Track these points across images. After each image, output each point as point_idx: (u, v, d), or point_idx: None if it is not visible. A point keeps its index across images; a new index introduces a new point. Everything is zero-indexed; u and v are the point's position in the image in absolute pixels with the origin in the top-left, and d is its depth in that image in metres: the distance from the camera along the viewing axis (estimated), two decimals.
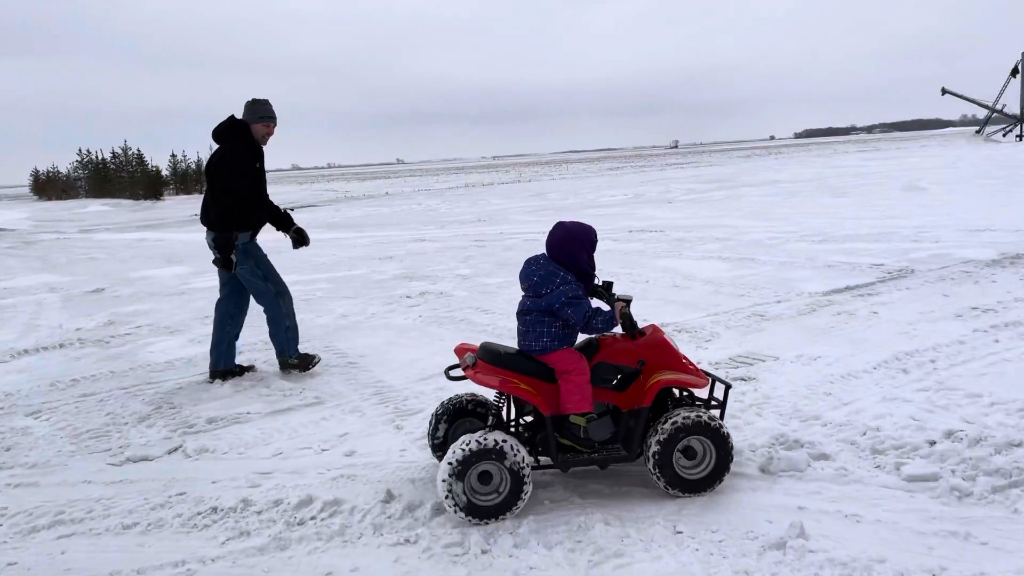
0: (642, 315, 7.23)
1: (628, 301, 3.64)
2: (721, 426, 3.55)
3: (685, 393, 3.88)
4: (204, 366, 6.13)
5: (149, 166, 60.01)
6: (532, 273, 3.67)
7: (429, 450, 4.04)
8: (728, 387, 3.81)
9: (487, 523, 3.35)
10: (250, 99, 5.90)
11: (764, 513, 3.33)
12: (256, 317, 6.21)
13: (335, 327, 7.05)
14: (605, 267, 10.28)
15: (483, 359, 3.60)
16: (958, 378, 4.87)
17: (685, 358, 3.75)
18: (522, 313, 3.70)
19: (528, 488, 3.40)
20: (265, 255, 5.95)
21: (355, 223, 21.68)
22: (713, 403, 3.86)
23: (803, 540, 3.07)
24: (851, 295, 7.58)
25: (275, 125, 5.93)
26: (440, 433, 3.93)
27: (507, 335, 6.78)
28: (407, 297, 9.00)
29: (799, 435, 4.08)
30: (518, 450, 3.40)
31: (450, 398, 4.02)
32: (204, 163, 7.12)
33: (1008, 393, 4.51)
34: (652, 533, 3.21)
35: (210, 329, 6.12)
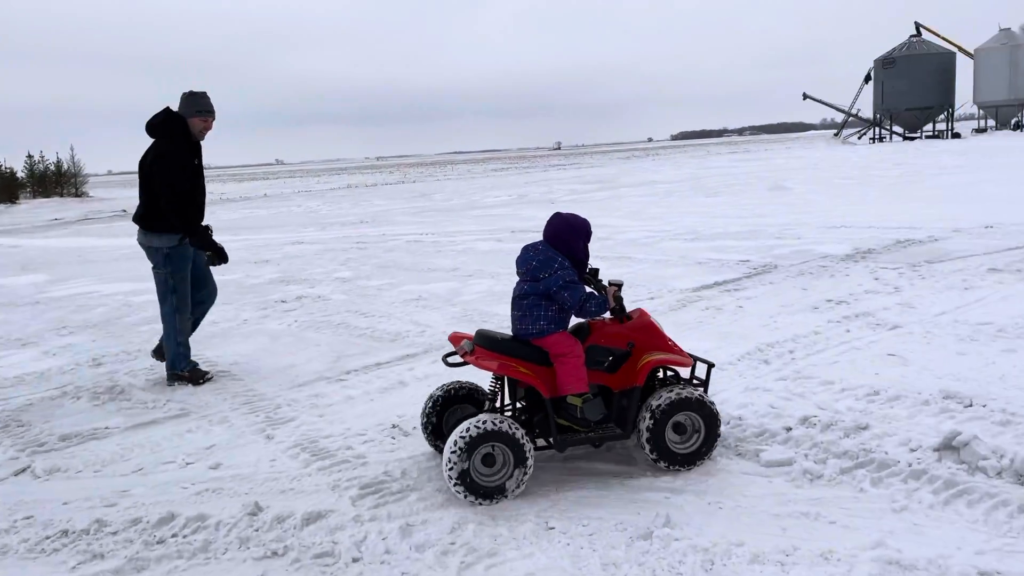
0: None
1: (619, 285, 3.86)
2: (710, 402, 3.78)
3: (670, 373, 4.05)
4: (58, 380, 5.76)
5: (3, 168, 56.00)
6: (531, 258, 3.80)
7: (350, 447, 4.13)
8: (711, 366, 4.05)
9: (491, 502, 3.46)
10: (186, 92, 5.59)
11: (634, 505, 3.42)
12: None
13: (205, 335, 6.76)
14: (487, 268, 10.33)
15: (480, 345, 3.69)
16: (813, 367, 5.15)
17: (670, 340, 3.94)
18: (519, 298, 3.81)
19: (530, 469, 3.52)
20: (188, 262, 5.66)
21: (230, 226, 20.92)
22: (695, 382, 4.04)
23: (668, 529, 3.17)
24: (719, 290, 7.90)
25: (214, 120, 5.68)
26: (434, 419, 4.01)
27: (386, 339, 6.70)
28: (282, 302, 8.75)
29: None
30: (519, 432, 3.51)
31: (443, 385, 4.10)
32: (139, 160, 6.59)
33: (856, 379, 4.80)
34: (524, 531, 3.24)
35: (67, 341, 5.75)
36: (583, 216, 3.92)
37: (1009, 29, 61.31)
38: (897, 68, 60.29)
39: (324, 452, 4.22)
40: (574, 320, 3.87)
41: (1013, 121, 60.13)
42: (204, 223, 5.69)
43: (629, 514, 3.33)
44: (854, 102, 68.66)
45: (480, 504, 3.46)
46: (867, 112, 67.24)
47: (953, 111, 63.09)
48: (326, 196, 35.71)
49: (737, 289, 7.91)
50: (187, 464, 4.18)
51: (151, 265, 5.65)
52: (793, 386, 4.80)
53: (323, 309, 8.19)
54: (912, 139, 60.90)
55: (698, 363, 4.04)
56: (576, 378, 3.67)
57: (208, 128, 5.66)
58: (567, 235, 3.85)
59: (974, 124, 67.91)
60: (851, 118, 70.33)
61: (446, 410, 4.05)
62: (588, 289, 3.83)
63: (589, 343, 3.79)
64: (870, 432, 4.01)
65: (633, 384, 3.78)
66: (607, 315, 3.89)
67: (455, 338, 3.85)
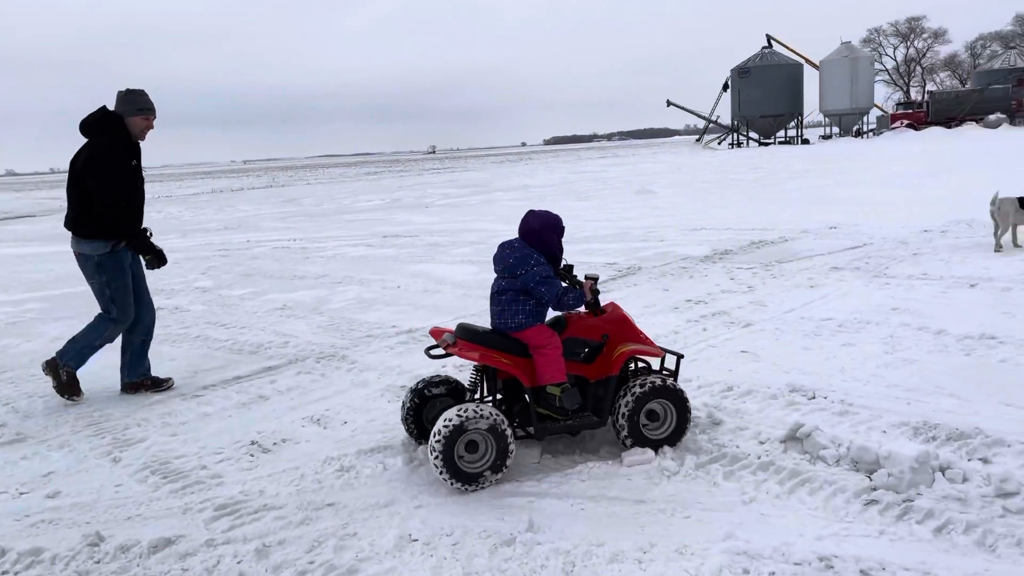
0: (392, 321, 7.23)
1: (595, 279, 4.05)
2: (681, 390, 3.96)
3: (641, 363, 4.22)
4: None
5: None
6: (508, 256, 3.94)
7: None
8: (680, 357, 4.20)
9: (474, 487, 3.58)
10: (123, 89, 5.24)
11: (498, 511, 3.42)
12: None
13: (45, 352, 6.28)
14: (356, 274, 10.14)
15: (462, 337, 3.84)
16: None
17: (642, 332, 4.14)
18: (498, 293, 3.96)
19: (512, 454, 3.65)
20: (127, 273, 5.32)
21: None
22: (664, 371, 4.19)
23: (532, 533, 3.18)
24: None
25: (155, 118, 5.33)
26: (414, 412, 4.10)
27: (247, 351, 6.44)
28: None
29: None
30: (501, 420, 3.64)
31: (422, 378, 4.19)
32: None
33: (712, 376, 5.01)
34: (385, 544, 3.17)
35: None
36: (555, 213, 4.03)
37: (850, 43, 66.02)
38: (751, 77, 63.68)
39: (176, 473, 4.00)
40: (551, 313, 4.04)
41: (855, 128, 64.70)
42: (143, 227, 5.35)
43: (493, 520, 3.32)
44: (714, 109, 71.98)
45: (465, 490, 3.58)
46: (726, 119, 70.66)
47: (802, 119, 67.21)
48: (189, 202, 34.14)
49: (604, 292, 8.10)
50: (21, 494, 3.86)
51: (86, 278, 5.29)
52: None
53: (180, 321, 7.80)
54: (767, 144, 64.46)
55: (668, 354, 4.20)
56: (555, 368, 3.83)
57: (150, 127, 5.34)
58: (541, 231, 3.98)
59: (821, 131, 72.69)
60: (711, 124, 73.69)
61: (426, 402, 4.13)
62: (564, 284, 3.98)
63: (566, 336, 3.95)
64: (724, 427, 4.18)
65: (608, 374, 3.98)
66: (582, 308, 4.05)
67: (436, 332, 3.99)
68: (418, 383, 4.17)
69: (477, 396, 4.02)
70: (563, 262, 4.09)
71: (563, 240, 4.09)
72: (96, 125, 5.16)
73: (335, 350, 6.26)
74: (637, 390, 3.91)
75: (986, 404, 4.25)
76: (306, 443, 4.36)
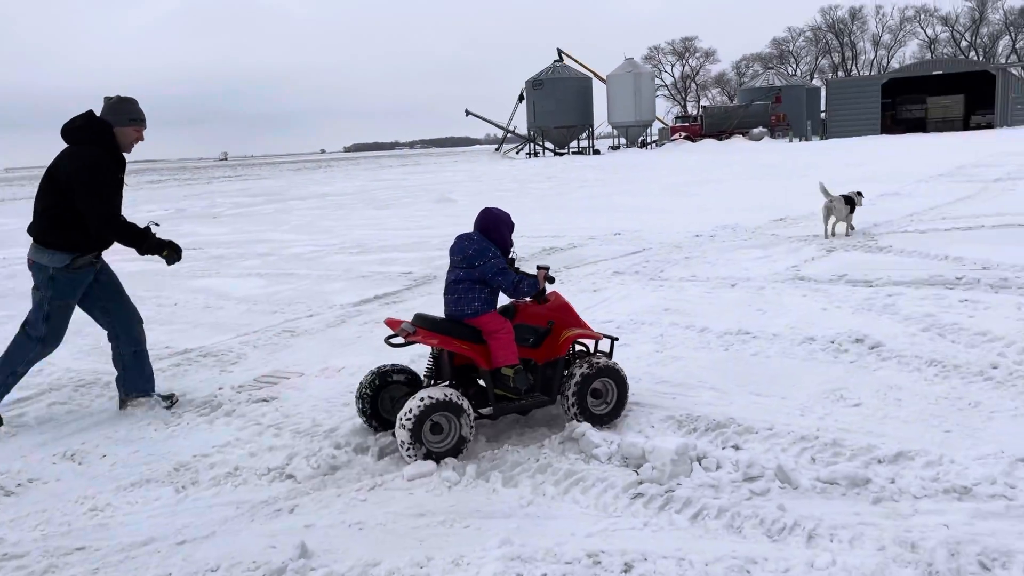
0: (165, 341, 6.73)
1: (547, 269, 4.40)
2: (621, 369, 4.38)
3: (580, 347, 4.61)
4: None
5: None
6: (467, 247, 4.25)
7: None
8: (614, 340, 4.62)
9: (437, 464, 3.82)
10: (115, 97, 4.83)
11: (269, 539, 3.26)
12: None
13: None
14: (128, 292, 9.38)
15: (421, 326, 4.09)
16: None
17: (580, 318, 4.54)
18: (454, 283, 4.24)
19: (473, 433, 3.99)
20: (76, 292, 4.83)
21: None
22: (599, 353, 4.56)
23: (305, 559, 3.06)
24: (379, 303, 7.97)
25: (144, 129, 4.96)
26: (369, 399, 4.30)
27: None
28: None
29: (310, 449, 4.11)
30: (462, 402, 3.93)
31: (373, 370, 4.40)
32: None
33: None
34: None
35: None
36: (506, 211, 4.41)
37: (633, 59, 70.43)
38: (545, 89, 66.24)
39: None
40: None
41: (640, 140, 69.09)
42: (145, 226, 4.94)
43: (263, 549, 3.16)
44: (511, 119, 74.10)
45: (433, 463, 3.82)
46: (523, 129, 72.97)
47: (593, 130, 70.86)
48: None
49: (397, 302, 8.05)
50: None
51: (34, 283, 4.82)
52: None
53: None
54: (561, 154, 67.26)
55: (603, 338, 4.59)
56: (509, 351, 4.15)
57: (140, 139, 4.95)
58: (496, 227, 4.35)
59: (611, 142, 76.93)
60: (509, 134, 75.81)
61: (380, 390, 4.34)
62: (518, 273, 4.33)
63: (515, 323, 4.28)
64: (506, 434, 4.26)
65: (556, 356, 4.34)
66: (527, 298, 4.36)
67: (391, 322, 4.20)
68: (373, 371, 4.40)
69: (433, 382, 4.28)
70: (511, 254, 4.43)
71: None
72: (82, 132, 4.71)
73: (97, 376, 5.74)
74: (584, 370, 4.28)
75: (740, 395, 4.64)
76: (56, 482, 3.95)
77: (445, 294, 4.32)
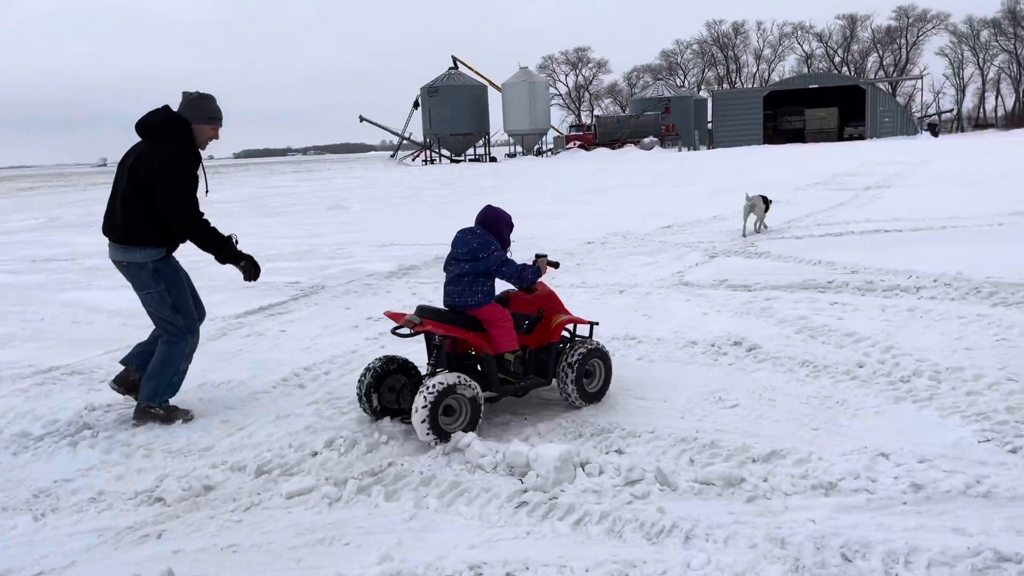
0: (28, 359, 6.30)
1: (546, 256, 4.90)
2: (607, 351, 4.78)
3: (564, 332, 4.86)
4: None
5: None
6: (471, 240, 4.51)
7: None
8: (594, 324, 5.01)
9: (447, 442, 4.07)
10: (194, 93, 4.73)
11: (134, 567, 3.07)
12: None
13: None
14: None
15: (427, 317, 4.29)
16: (345, 387, 5.25)
17: (563, 305, 4.88)
18: (459, 276, 4.48)
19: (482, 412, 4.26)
20: (183, 277, 4.89)
21: None
22: (578, 337, 4.89)
23: None
24: (264, 315, 7.72)
25: (221, 127, 4.88)
26: (372, 390, 4.47)
27: None
28: None
29: (183, 469, 3.92)
30: (473, 385, 4.19)
31: (372, 363, 4.55)
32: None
33: None
34: None
35: None
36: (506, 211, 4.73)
37: (527, 68, 71.23)
38: (440, 96, 66.17)
39: None
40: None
41: (535, 148, 69.93)
42: (228, 234, 4.89)
43: None
44: (406, 126, 73.61)
45: (437, 444, 4.05)
46: (419, 136, 72.62)
47: (489, 137, 71.24)
48: None
49: (282, 312, 7.82)
50: None
51: (136, 290, 4.79)
52: (324, 409, 4.83)
53: None
54: (458, 162, 67.30)
55: (587, 323, 4.99)
56: (510, 338, 4.44)
57: (216, 138, 4.86)
58: (497, 223, 4.65)
59: (507, 149, 77.55)
60: (405, 141, 75.30)
61: (381, 381, 4.50)
62: (520, 262, 4.63)
63: (510, 311, 4.54)
64: (390, 446, 4.19)
65: (549, 340, 4.63)
66: (518, 288, 4.69)
67: (393, 315, 4.47)
68: (373, 363, 4.55)
69: (436, 370, 4.41)
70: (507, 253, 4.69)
71: None
72: (160, 128, 4.62)
73: None
74: (581, 351, 4.59)
75: (625, 399, 4.71)
76: None
77: (447, 286, 4.59)
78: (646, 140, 60.42)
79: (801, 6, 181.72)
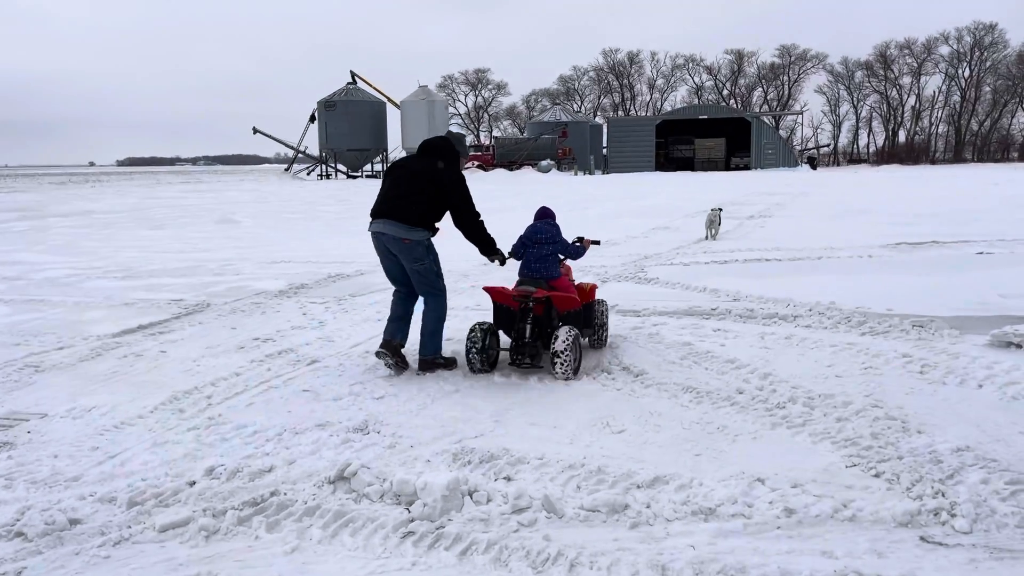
0: None
1: (582, 239, 6.67)
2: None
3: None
4: None
5: None
6: (549, 229, 6.21)
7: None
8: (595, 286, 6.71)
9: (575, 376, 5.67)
10: (459, 133, 5.69)
11: None
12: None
13: None
14: None
15: (537, 287, 5.86)
16: (230, 411, 5.06)
17: None
18: (544, 256, 6.11)
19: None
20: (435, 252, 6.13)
21: None
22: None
23: None
24: (143, 334, 7.37)
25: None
26: (487, 347, 5.82)
27: None
28: None
29: (48, 501, 3.68)
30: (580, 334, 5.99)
31: (478, 326, 5.85)
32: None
33: (270, 419, 4.85)
34: None
35: None
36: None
37: (427, 86, 71.30)
38: (338, 111, 65.38)
39: None
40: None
41: None
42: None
43: None
44: (302, 139, 72.34)
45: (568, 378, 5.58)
46: (314, 150, 71.38)
47: (387, 153, 70.77)
48: None
49: (163, 332, 7.48)
50: None
51: (410, 262, 5.93)
52: (205, 435, 4.64)
53: None
54: (354, 177, 66.53)
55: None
56: (578, 298, 6.10)
57: (464, 168, 6.34)
58: (553, 217, 6.39)
59: None
60: (300, 154, 73.86)
61: (486, 340, 5.79)
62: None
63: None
64: (274, 474, 4.05)
65: (589, 301, 6.33)
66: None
67: (493, 289, 6.08)
68: (478, 328, 5.81)
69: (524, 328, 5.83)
70: None
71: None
72: (444, 152, 6.04)
73: None
74: (602, 313, 6.35)
75: (515, 425, 4.73)
76: None
77: (531, 263, 6.12)
78: (543, 163, 61.43)
79: (693, 40, 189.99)
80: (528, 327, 5.78)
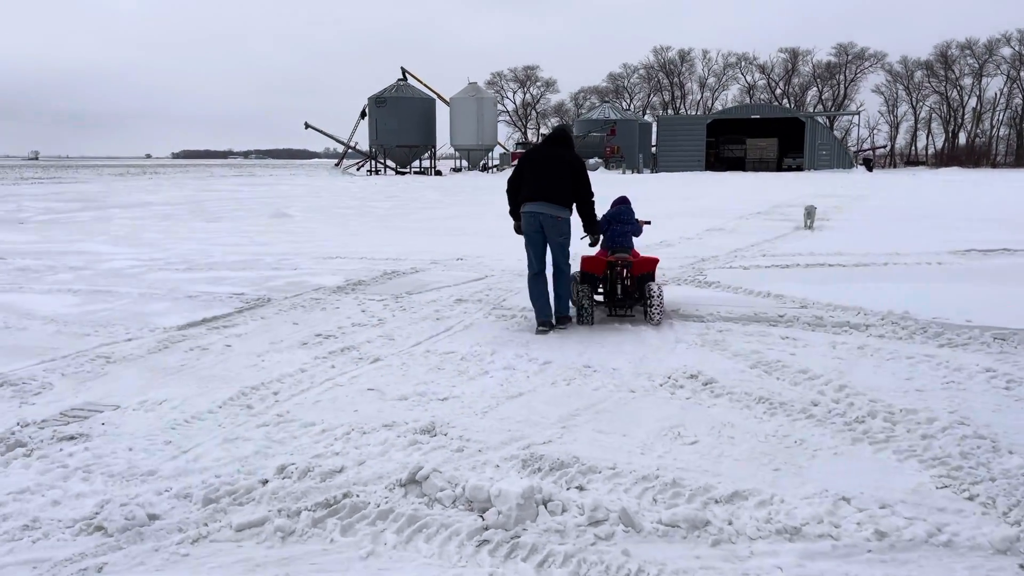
0: None
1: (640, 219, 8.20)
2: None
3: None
4: None
5: None
6: (628, 211, 7.79)
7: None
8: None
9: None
10: (570, 125, 5.46)
11: None
12: None
13: None
14: None
15: (628, 256, 7.62)
16: (296, 408, 5.07)
17: None
18: (624, 233, 7.71)
19: None
20: None
21: None
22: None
23: None
24: (207, 328, 7.45)
25: None
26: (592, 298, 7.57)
27: None
28: None
29: (126, 495, 3.71)
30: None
31: (584, 289, 7.47)
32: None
33: (337, 418, 4.85)
34: None
35: None
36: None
37: (476, 83, 71.40)
38: (388, 107, 65.79)
39: None
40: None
41: (481, 163, 70.00)
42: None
43: None
44: (352, 135, 72.96)
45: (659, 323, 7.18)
46: (364, 145, 72.01)
47: (436, 151, 71.08)
48: None
49: (227, 326, 7.56)
50: None
51: (556, 236, 7.29)
52: (275, 432, 4.65)
53: None
54: (403, 174, 66.90)
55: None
56: (651, 265, 7.63)
57: None
58: (629, 203, 7.86)
59: (453, 163, 77.46)
60: (350, 150, 74.57)
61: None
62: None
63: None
64: (344, 475, 4.03)
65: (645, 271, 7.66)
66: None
67: (595, 259, 7.58)
68: (585, 291, 7.43)
69: (605, 290, 7.73)
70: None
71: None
72: (568, 141, 7.51)
73: None
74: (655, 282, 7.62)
75: (583, 432, 4.65)
76: None
77: (615, 238, 7.68)
78: (591, 161, 61.08)
79: (746, 38, 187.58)
80: (620, 285, 7.56)
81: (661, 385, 5.49)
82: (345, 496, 3.77)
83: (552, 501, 3.65)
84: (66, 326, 7.49)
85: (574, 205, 7.34)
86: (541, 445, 4.43)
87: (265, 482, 3.93)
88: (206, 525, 3.52)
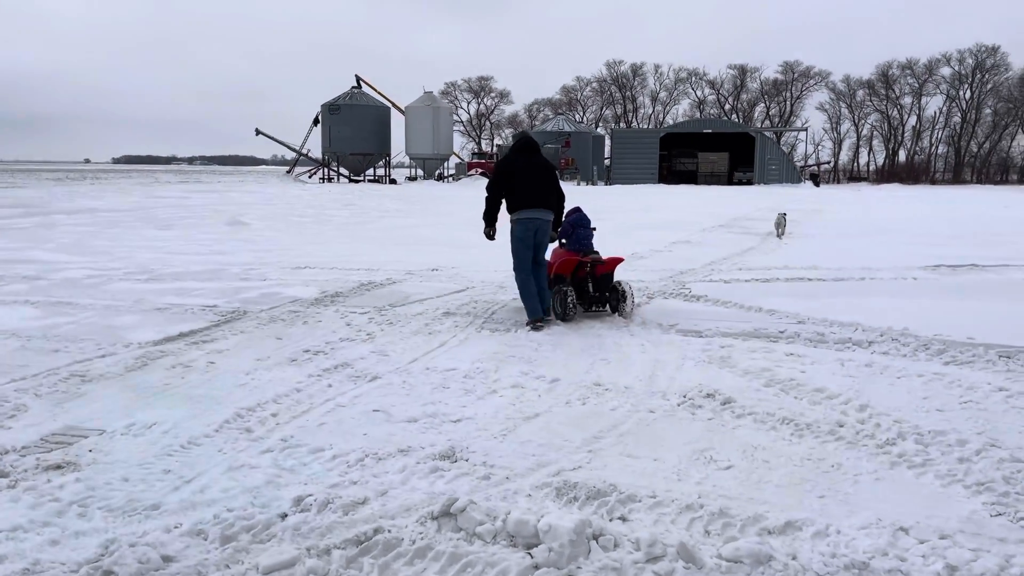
0: None
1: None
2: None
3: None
4: None
5: None
6: (587, 219, 8.51)
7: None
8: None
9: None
10: (530, 132, 5.78)
11: None
12: None
13: None
14: None
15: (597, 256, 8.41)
16: (301, 432, 4.75)
17: None
18: (588, 235, 8.46)
19: None
20: None
21: None
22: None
23: None
24: (185, 343, 7.04)
25: None
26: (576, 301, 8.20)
27: None
28: None
29: (133, 534, 3.36)
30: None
31: (560, 289, 8.01)
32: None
33: (346, 443, 4.55)
34: None
35: None
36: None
37: (431, 92, 71.08)
38: (342, 115, 65.01)
39: None
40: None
41: (437, 173, 69.58)
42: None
43: None
44: (304, 142, 71.91)
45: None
46: (317, 153, 70.98)
47: (390, 159, 70.44)
48: None
49: (206, 341, 7.15)
50: None
51: (544, 238, 8.16)
52: (282, 459, 4.33)
53: None
54: (357, 182, 66.08)
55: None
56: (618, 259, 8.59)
57: None
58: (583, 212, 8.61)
59: (407, 172, 76.84)
60: (302, 157, 73.44)
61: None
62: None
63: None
64: (369, 508, 3.74)
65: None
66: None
67: (567, 261, 8.24)
68: (569, 291, 7.95)
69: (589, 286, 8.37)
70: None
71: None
72: (539, 148, 8.34)
73: None
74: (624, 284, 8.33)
75: (611, 457, 4.43)
76: None
77: (582, 240, 8.42)
78: None
79: (697, 54, 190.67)
80: (591, 284, 8.30)
81: (679, 405, 5.31)
82: (376, 532, 3.48)
83: (604, 536, 3.42)
84: (30, 341, 7.00)
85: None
86: (571, 471, 4.20)
87: (284, 516, 3.62)
88: (228, 567, 3.20)
